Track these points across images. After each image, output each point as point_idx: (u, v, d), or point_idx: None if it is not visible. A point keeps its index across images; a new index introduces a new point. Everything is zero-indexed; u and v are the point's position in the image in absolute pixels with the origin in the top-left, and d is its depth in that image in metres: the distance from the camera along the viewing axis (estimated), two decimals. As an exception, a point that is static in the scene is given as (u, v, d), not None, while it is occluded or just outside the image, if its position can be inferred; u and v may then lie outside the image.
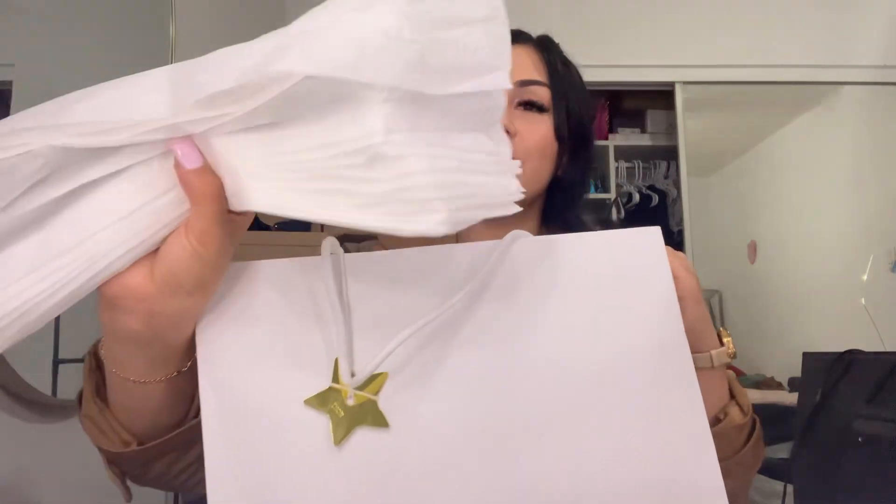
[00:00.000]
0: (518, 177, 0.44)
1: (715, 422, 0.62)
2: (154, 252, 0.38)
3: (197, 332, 0.44)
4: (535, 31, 0.85)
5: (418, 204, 0.33)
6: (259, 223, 1.76)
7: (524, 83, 0.74)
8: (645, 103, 2.97)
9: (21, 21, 1.06)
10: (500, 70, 0.36)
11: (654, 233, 0.49)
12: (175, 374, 0.45)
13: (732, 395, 0.66)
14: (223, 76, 0.34)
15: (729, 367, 0.67)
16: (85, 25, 1.25)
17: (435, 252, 0.47)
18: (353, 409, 0.42)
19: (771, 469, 1.97)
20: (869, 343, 1.90)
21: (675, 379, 0.46)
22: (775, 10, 2.69)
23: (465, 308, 0.45)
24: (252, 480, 0.42)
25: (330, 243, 0.45)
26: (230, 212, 0.38)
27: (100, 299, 0.41)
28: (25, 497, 1.05)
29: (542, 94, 0.75)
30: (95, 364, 0.49)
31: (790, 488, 1.95)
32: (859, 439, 1.36)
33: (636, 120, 3.04)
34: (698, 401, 0.45)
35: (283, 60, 0.32)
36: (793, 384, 2.37)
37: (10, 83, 1.05)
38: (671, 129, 2.78)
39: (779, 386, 2.46)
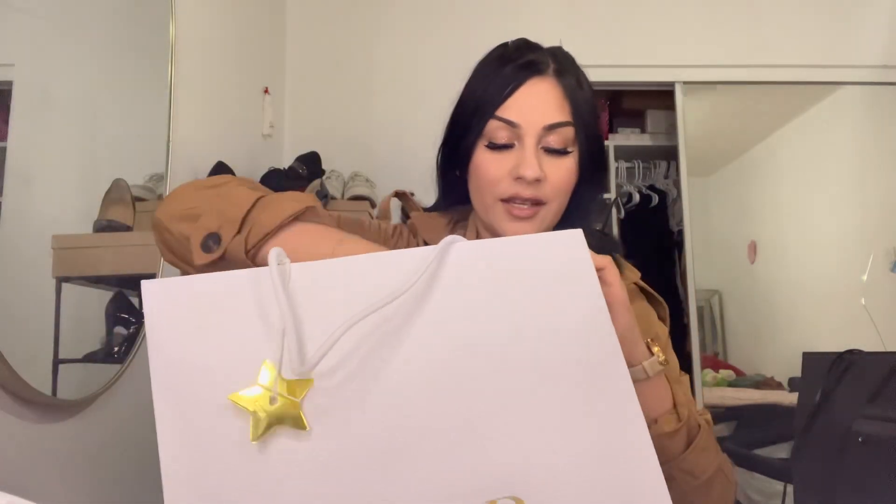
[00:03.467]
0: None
1: None
2: None
3: (148, 340, 0.48)
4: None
5: None
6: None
7: (552, 127, 0.74)
8: (645, 103, 2.96)
9: (21, 21, 1.06)
10: None
11: (577, 235, 0.51)
12: None
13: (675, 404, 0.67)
14: None
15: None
16: (85, 25, 1.25)
17: (378, 259, 0.50)
18: (274, 410, 0.44)
19: (771, 469, 1.97)
20: (869, 343, 1.90)
21: (610, 378, 0.48)
22: (775, 11, 2.69)
23: (403, 312, 0.47)
24: (193, 466, 0.45)
25: (276, 254, 0.49)
26: None
27: None
28: (23, 497, 1.05)
29: (568, 135, 0.76)
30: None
31: (790, 488, 1.95)
32: (859, 439, 1.36)
33: (636, 120, 3.04)
34: (634, 402, 0.47)
35: None
36: (793, 384, 2.37)
37: (10, 83, 1.05)
38: (671, 129, 2.78)
39: (779, 386, 2.46)
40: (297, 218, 0.62)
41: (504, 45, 0.81)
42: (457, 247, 0.50)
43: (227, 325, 0.47)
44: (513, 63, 0.77)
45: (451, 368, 0.46)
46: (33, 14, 1.09)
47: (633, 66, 2.65)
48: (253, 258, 0.60)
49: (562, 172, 0.75)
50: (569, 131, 0.75)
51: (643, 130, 3.01)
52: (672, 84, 2.69)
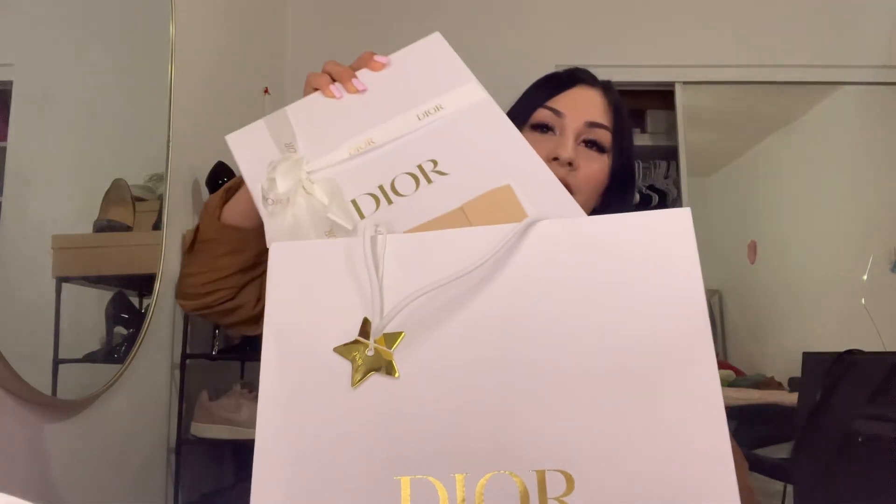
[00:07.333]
0: None
1: None
2: None
3: (268, 294, 0.54)
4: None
5: None
6: (259, 223, 1.76)
7: (592, 124, 0.81)
8: (645, 103, 2.96)
9: (21, 21, 1.06)
10: None
11: (685, 214, 0.52)
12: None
13: None
14: None
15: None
16: (85, 25, 1.25)
17: (464, 234, 0.54)
18: (370, 359, 0.51)
19: (771, 469, 1.97)
20: (869, 343, 1.90)
21: (695, 360, 0.46)
22: (775, 11, 2.69)
23: (483, 280, 0.52)
24: (291, 407, 0.50)
25: (373, 225, 0.56)
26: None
27: None
28: (24, 498, 1.05)
29: (605, 137, 0.82)
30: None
31: (790, 488, 1.95)
32: (859, 439, 1.36)
33: (636, 120, 3.03)
34: (717, 389, 0.45)
35: None
36: (793, 384, 2.37)
37: (10, 83, 1.05)
38: (671, 129, 2.78)
39: (779, 386, 2.46)
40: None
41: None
42: (543, 224, 0.53)
43: (333, 289, 0.54)
44: (562, 75, 0.86)
45: (522, 338, 0.49)
46: (33, 14, 1.09)
47: (633, 66, 2.65)
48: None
49: (593, 167, 0.80)
50: (607, 135, 0.82)
51: (643, 130, 3.01)
52: (672, 84, 2.69)
